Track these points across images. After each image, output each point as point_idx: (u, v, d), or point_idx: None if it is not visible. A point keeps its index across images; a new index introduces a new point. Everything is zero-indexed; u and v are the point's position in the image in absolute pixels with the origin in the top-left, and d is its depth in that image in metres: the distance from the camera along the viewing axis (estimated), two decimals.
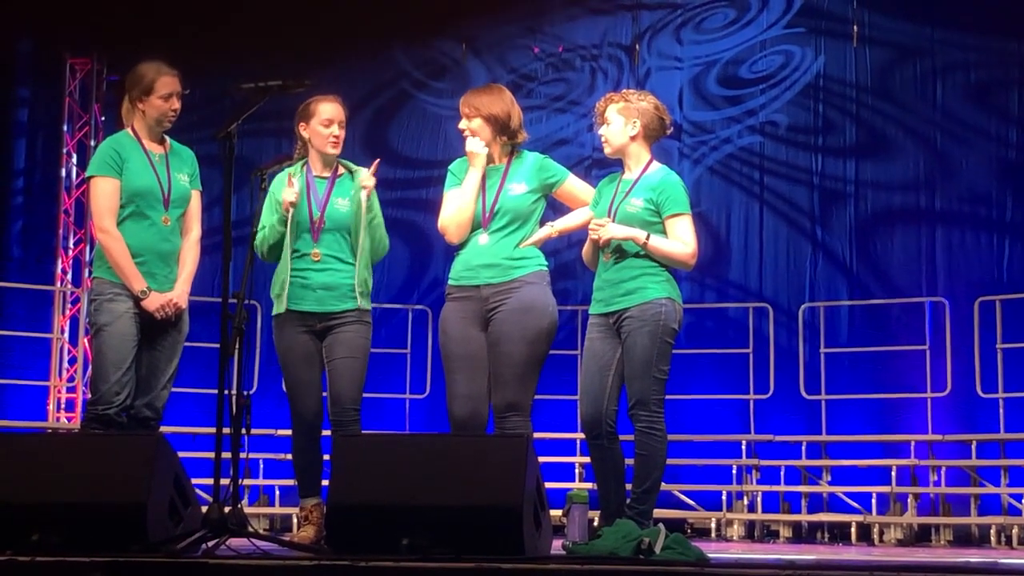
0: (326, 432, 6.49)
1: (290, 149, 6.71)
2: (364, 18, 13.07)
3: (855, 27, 12.12)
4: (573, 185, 6.45)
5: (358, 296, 6.46)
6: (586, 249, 6.38)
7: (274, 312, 6.54)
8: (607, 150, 6.36)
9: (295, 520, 9.12)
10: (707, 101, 12.61)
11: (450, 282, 6.35)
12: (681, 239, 6.15)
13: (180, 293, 6.33)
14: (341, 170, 6.61)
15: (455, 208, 6.29)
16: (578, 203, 6.46)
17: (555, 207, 6.55)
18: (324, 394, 6.49)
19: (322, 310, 6.44)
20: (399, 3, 13.03)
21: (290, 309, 6.47)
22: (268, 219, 6.51)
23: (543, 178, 6.35)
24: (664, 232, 6.16)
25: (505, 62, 13.04)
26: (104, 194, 6.24)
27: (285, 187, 6.46)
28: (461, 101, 6.30)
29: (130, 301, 6.17)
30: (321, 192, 6.50)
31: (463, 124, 6.32)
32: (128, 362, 6.13)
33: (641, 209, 6.16)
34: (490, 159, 6.34)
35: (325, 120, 6.49)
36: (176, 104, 6.33)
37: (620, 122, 6.28)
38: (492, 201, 6.26)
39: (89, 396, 6.26)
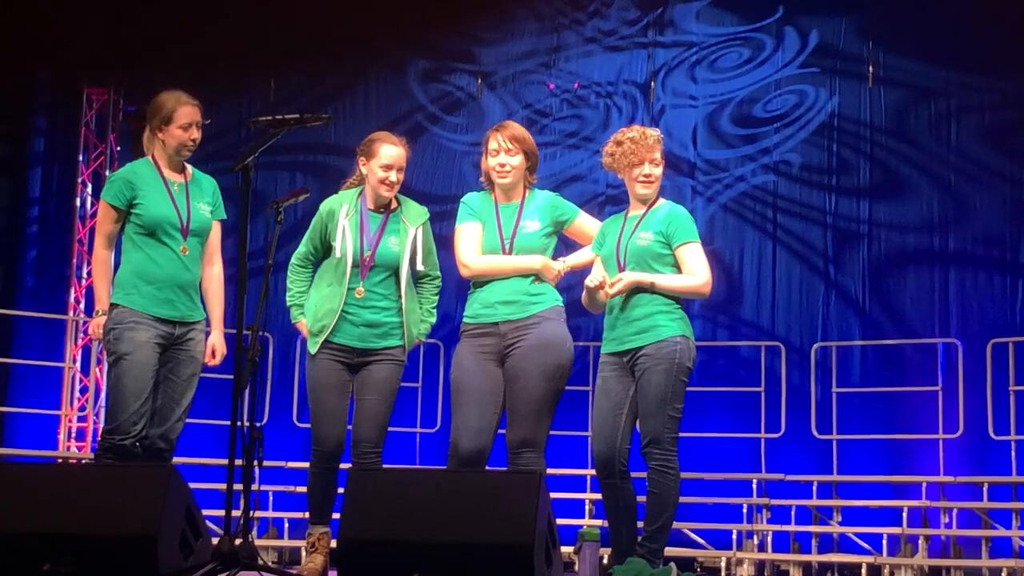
0: (344, 465, 6.47)
1: (304, 182, 6.72)
2: (379, 52, 13.15)
3: (870, 67, 12.14)
4: (583, 223, 6.49)
5: (407, 345, 6.51)
6: (584, 298, 6.40)
7: (315, 351, 6.46)
8: (654, 189, 6.34)
9: (303, 553, 9.10)
10: (721, 139, 12.62)
11: (466, 320, 6.34)
12: (692, 270, 6.16)
13: (220, 342, 6.41)
14: (395, 204, 6.55)
15: (490, 267, 6.28)
16: (587, 240, 6.51)
17: (566, 242, 6.57)
18: (349, 427, 6.47)
19: (363, 346, 6.43)
20: (415, 37, 13.11)
21: (331, 340, 6.41)
22: (307, 246, 6.56)
23: (556, 216, 6.38)
24: (675, 263, 6.18)
25: (520, 97, 13.07)
26: (104, 218, 6.35)
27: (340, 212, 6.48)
28: (500, 136, 6.27)
29: (151, 331, 6.17)
30: (373, 229, 6.46)
31: (502, 160, 6.27)
32: (147, 392, 6.13)
33: (652, 242, 6.17)
34: (507, 196, 6.36)
35: (384, 165, 6.43)
36: (196, 134, 6.35)
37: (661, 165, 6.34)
38: (511, 237, 6.29)
39: (104, 425, 6.25)
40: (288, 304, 6.57)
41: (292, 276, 6.59)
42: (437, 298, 6.70)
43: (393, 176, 6.45)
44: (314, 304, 6.49)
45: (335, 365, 6.44)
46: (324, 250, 6.54)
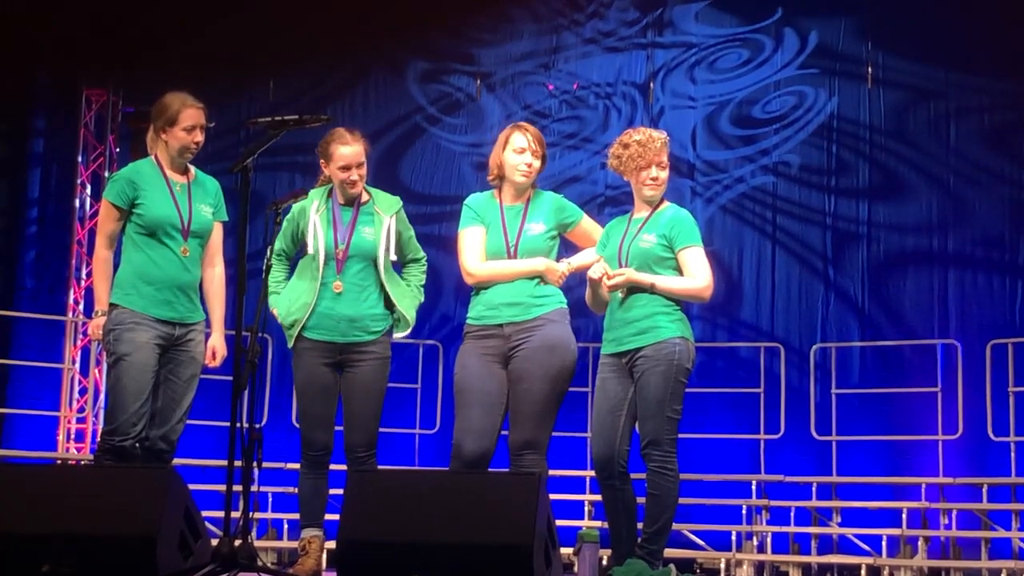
0: (335, 467, 6.47)
1: (304, 183, 6.70)
2: (379, 52, 13.15)
3: (869, 68, 12.15)
4: (586, 226, 6.49)
5: (404, 328, 6.52)
6: (588, 295, 6.39)
7: (290, 344, 6.49)
8: (661, 192, 6.33)
9: None
10: (720, 140, 12.62)
11: (470, 321, 6.34)
12: (693, 273, 6.15)
13: (221, 343, 6.42)
14: (366, 197, 6.56)
15: (494, 273, 6.27)
16: (589, 243, 6.50)
17: (567, 244, 6.57)
18: (338, 428, 6.46)
19: (345, 341, 6.42)
20: (414, 38, 13.11)
21: (311, 338, 6.42)
22: (281, 242, 6.56)
23: (561, 218, 6.38)
24: (678, 266, 6.18)
25: (519, 98, 13.07)
26: (105, 218, 6.34)
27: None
28: (528, 135, 6.25)
29: (151, 332, 6.16)
30: (346, 222, 6.46)
31: (529, 160, 6.26)
32: (147, 393, 6.13)
33: (654, 244, 6.17)
34: (513, 197, 6.36)
35: (342, 166, 6.42)
36: (199, 137, 6.33)
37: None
38: (515, 240, 6.28)
39: (104, 426, 6.24)
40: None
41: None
42: (424, 276, 6.73)
43: (354, 175, 6.45)
44: (287, 298, 6.49)
45: (320, 367, 6.44)
46: (297, 247, 6.56)
